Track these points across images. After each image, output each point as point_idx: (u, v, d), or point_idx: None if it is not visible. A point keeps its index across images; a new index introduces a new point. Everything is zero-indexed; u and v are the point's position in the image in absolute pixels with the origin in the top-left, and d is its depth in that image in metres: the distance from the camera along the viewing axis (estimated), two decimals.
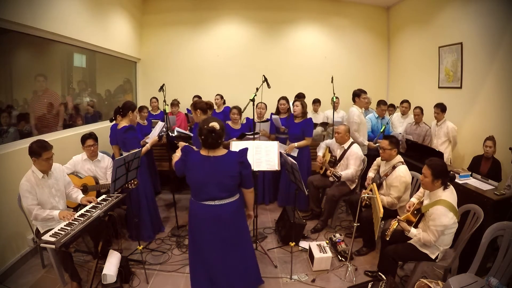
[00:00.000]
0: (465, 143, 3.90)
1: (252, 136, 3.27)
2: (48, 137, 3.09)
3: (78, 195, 2.55)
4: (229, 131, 3.77)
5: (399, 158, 2.84)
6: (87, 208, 2.34)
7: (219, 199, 1.91)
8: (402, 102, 4.60)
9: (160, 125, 3.36)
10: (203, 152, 1.91)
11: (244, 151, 1.96)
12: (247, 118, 4.37)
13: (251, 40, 5.75)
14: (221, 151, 1.93)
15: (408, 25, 5.36)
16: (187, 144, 2.12)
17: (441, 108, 3.82)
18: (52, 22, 3.07)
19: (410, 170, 2.80)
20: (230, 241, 1.98)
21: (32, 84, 3.12)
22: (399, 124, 4.57)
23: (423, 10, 4.89)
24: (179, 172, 1.98)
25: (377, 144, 3.91)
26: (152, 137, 3.25)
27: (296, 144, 3.64)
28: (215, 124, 1.84)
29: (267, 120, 4.21)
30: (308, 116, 3.77)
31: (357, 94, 3.95)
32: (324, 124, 4.64)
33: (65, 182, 2.51)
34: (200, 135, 1.86)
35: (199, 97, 4.79)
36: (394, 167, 2.78)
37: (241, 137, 3.56)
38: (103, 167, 3.06)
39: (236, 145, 2.92)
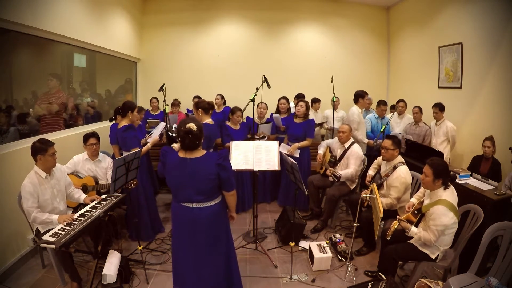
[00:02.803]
0: (464, 143, 3.90)
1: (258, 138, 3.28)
2: (48, 137, 3.09)
3: (81, 195, 2.56)
4: (230, 133, 3.77)
5: (400, 158, 2.84)
6: (87, 208, 2.35)
7: (197, 202, 1.88)
8: (398, 101, 4.57)
9: (162, 125, 3.37)
10: (181, 153, 1.88)
11: (224, 153, 1.90)
12: (247, 117, 4.38)
13: (251, 40, 5.75)
14: (199, 153, 1.88)
15: (408, 25, 5.36)
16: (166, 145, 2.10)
17: (439, 108, 3.82)
18: (52, 22, 3.07)
19: (409, 170, 2.80)
20: (203, 245, 1.94)
21: (32, 84, 3.13)
22: (396, 125, 4.56)
23: (423, 10, 4.88)
24: (160, 174, 1.98)
25: (377, 143, 3.92)
26: (153, 137, 3.25)
27: (299, 144, 3.65)
28: (192, 125, 1.79)
29: (267, 121, 4.22)
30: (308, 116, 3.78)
31: (361, 95, 3.98)
32: (319, 124, 4.68)
33: (66, 182, 2.52)
34: (178, 136, 1.85)
35: (199, 97, 4.79)
36: (395, 168, 2.78)
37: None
38: (103, 167, 3.06)
39: (236, 146, 2.93)
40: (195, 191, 1.86)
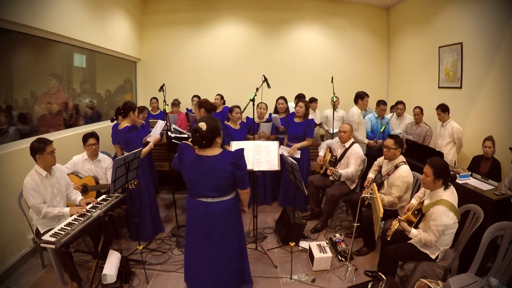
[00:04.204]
0: (465, 143, 3.89)
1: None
2: (48, 137, 3.09)
3: (77, 197, 2.54)
4: (230, 132, 3.77)
5: (401, 158, 2.84)
6: (87, 208, 2.34)
7: (211, 197, 1.94)
8: (397, 103, 4.54)
9: (161, 123, 3.36)
10: (197, 151, 1.93)
11: (240, 152, 1.94)
12: (247, 117, 4.38)
13: (251, 40, 5.74)
14: (215, 151, 1.92)
15: (408, 25, 5.36)
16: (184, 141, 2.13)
17: (441, 109, 3.77)
18: (52, 22, 3.07)
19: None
20: (217, 238, 1.99)
21: (32, 84, 3.13)
22: (395, 127, 4.54)
23: (423, 10, 4.88)
24: (176, 168, 2.03)
25: (377, 143, 3.91)
26: (154, 136, 3.24)
27: (298, 144, 3.64)
28: (202, 125, 1.85)
29: (267, 121, 4.22)
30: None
31: (361, 97, 4.00)
32: (318, 125, 4.69)
33: (66, 182, 2.52)
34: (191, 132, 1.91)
35: (199, 97, 4.79)
36: (396, 167, 2.79)
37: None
38: (103, 167, 3.06)
39: (236, 145, 2.92)
40: (209, 188, 1.91)
